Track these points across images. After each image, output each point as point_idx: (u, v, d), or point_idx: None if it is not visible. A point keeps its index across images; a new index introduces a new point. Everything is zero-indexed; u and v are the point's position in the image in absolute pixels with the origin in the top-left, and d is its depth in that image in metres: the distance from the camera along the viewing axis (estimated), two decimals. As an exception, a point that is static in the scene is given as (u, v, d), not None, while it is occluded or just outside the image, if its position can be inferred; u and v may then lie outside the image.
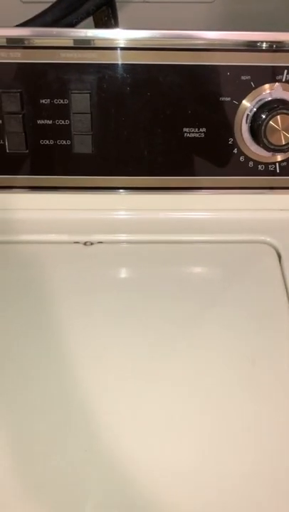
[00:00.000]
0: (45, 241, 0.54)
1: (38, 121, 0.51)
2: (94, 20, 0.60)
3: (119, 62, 0.49)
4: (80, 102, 0.50)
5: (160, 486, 0.37)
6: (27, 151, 0.52)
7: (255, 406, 0.41)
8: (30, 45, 0.49)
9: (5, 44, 0.48)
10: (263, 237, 0.54)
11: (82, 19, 0.56)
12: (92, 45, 0.49)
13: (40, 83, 0.49)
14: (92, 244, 0.54)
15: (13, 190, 0.52)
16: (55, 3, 0.56)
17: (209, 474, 0.38)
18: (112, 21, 0.60)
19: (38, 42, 0.49)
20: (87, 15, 0.55)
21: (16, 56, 0.49)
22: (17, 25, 0.53)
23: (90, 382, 0.42)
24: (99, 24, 0.61)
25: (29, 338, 0.45)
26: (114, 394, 0.41)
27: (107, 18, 0.60)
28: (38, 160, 0.52)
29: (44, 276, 0.50)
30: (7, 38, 0.48)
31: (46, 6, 0.58)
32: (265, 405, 0.41)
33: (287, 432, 0.40)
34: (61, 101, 0.50)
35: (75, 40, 0.49)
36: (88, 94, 0.49)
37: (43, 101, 0.50)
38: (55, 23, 0.56)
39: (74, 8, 0.56)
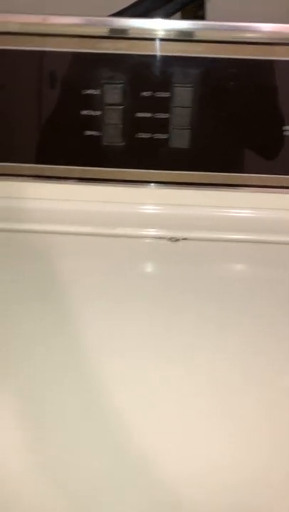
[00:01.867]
0: (140, 235, 0.53)
1: (137, 114, 0.50)
2: (182, 11, 0.59)
3: (224, 56, 0.48)
4: (182, 95, 0.48)
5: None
6: (123, 143, 0.51)
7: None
8: (133, 36, 0.48)
9: (108, 34, 0.47)
10: None
11: (177, 10, 0.55)
12: (196, 38, 0.48)
13: (143, 75, 0.48)
14: (177, 240, 0.54)
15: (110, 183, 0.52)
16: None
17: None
18: (200, 13, 0.59)
19: (140, 33, 0.48)
20: (183, 6, 0.54)
21: (121, 47, 0.47)
22: (112, 15, 0.52)
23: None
24: (186, 15, 0.60)
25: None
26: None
27: (196, 9, 0.59)
28: (134, 153, 0.51)
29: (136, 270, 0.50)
30: (111, 29, 0.47)
31: None
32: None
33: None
34: (163, 94, 0.49)
35: (180, 32, 0.48)
36: (191, 88, 0.48)
37: (144, 93, 0.49)
38: (148, 13, 0.55)
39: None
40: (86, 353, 0.43)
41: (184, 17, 0.60)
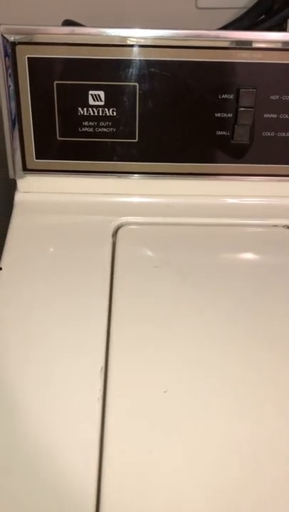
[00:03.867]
0: (255, 224, 0.60)
1: (265, 115, 0.57)
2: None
3: None
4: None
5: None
6: (249, 141, 0.58)
7: None
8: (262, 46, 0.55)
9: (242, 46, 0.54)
10: None
11: (278, 24, 0.63)
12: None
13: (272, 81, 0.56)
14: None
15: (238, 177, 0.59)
16: (250, 9, 0.63)
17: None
18: (284, 25, 0.68)
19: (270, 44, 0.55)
20: (284, 20, 0.63)
21: (257, 57, 0.55)
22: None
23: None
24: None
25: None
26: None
27: (281, 22, 0.67)
28: (261, 150, 0.58)
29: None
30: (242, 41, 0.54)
31: (220, 11, 0.64)
32: None
33: None
34: (287, 97, 0.57)
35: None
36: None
37: (273, 97, 0.57)
38: (252, 27, 0.63)
39: (268, 15, 0.63)
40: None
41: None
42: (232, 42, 0.55)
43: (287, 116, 0.57)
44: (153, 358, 0.46)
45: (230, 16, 0.66)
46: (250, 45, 0.55)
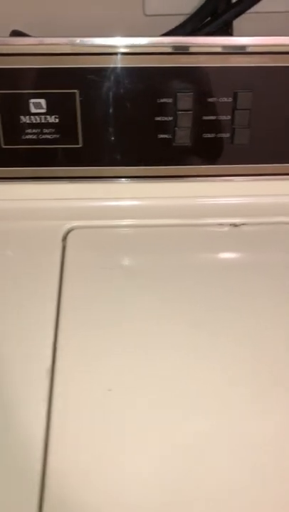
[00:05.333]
0: (199, 224, 0.62)
1: (204, 118, 0.59)
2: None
3: (272, 64, 0.58)
4: (243, 100, 0.58)
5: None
6: (191, 143, 0.59)
7: None
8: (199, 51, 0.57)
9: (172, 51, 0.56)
10: None
11: (220, 29, 0.64)
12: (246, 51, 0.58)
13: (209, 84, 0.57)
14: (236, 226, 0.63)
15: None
16: (193, 15, 0.65)
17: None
18: (230, 30, 0.70)
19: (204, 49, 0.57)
20: (225, 25, 0.64)
21: (194, 61, 0.56)
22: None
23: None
24: (216, 33, 0.70)
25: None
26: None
27: (226, 28, 0.69)
28: (202, 151, 0.60)
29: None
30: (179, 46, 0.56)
31: (168, 18, 0.66)
32: None
33: None
34: (225, 99, 0.58)
35: (234, 46, 0.57)
36: (251, 93, 0.58)
37: (210, 99, 0.58)
38: (194, 32, 0.65)
39: (212, 19, 0.65)
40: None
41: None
42: (169, 47, 0.56)
43: (225, 117, 0.58)
44: (99, 359, 0.48)
45: (179, 23, 0.68)
46: (188, 50, 0.56)
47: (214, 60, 0.56)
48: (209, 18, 0.65)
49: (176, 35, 0.63)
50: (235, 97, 0.58)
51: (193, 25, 0.64)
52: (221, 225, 0.62)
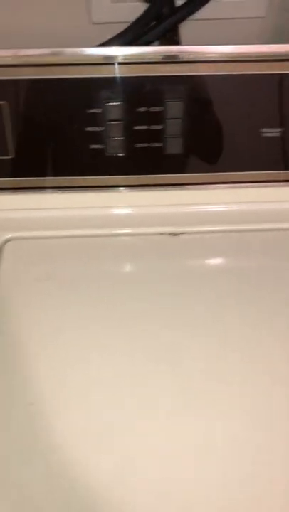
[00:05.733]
0: (138, 233, 0.61)
1: (135, 128, 0.58)
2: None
3: (206, 73, 0.57)
4: (173, 109, 0.57)
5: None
6: (124, 154, 0.59)
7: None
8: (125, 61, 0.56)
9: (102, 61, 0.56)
10: None
11: (160, 37, 0.64)
12: (180, 59, 0.57)
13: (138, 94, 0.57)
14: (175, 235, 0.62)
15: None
16: (134, 23, 0.64)
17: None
18: (175, 38, 0.69)
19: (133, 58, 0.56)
20: (165, 32, 0.63)
21: (121, 71, 0.56)
22: (103, 44, 0.60)
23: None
24: (162, 41, 0.69)
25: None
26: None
27: (172, 34, 0.68)
28: (136, 161, 0.59)
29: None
30: (104, 56, 0.55)
31: (116, 26, 0.65)
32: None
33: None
34: (156, 109, 0.58)
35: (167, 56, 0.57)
36: (181, 102, 0.57)
37: (140, 109, 0.57)
38: (135, 41, 0.64)
39: (152, 27, 0.64)
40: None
41: (161, 43, 0.69)
42: (100, 58, 0.56)
43: (157, 127, 0.58)
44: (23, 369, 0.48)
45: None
46: (116, 60, 0.56)
47: (144, 69, 0.56)
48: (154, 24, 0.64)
49: (114, 44, 0.62)
50: (165, 106, 0.57)
51: (134, 33, 0.63)
52: (161, 234, 0.61)
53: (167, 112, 0.57)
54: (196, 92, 0.56)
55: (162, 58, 0.57)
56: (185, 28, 0.70)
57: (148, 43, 0.64)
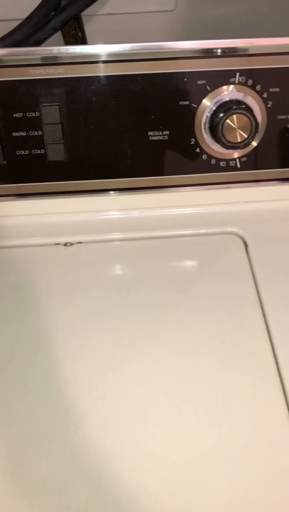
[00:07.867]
0: (29, 244, 0.58)
1: (13, 134, 0.55)
2: (62, 33, 0.64)
3: (85, 75, 0.53)
4: (51, 113, 0.53)
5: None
6: (4, 161, 0.56)
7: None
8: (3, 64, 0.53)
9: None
10: (230, 229, 0.59)
11: (50, 35, 0.60)
12: (59, 61, 0.53)
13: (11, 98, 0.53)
14: (72, 244, 0.59)
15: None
16: (24, 21, 0.61)
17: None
18: (80, 34, 0.65)
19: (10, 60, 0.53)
20: (55, 31, 0.59)
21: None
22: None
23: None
24: (67, 37, 0.66)
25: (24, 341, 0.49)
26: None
27: (74, 32, 0.64)
28: (16, 169, 0.56)
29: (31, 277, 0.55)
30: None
31: (15, 23, 0.62)
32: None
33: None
34: (33, 114, 0.54)
35: (43, 57, 0.53)
36: (57, 106, 0.53)
37: (17, 115, 0.54)
38: (25, 40, 0.61)
39: (42, 26, 0.60)
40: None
41: (65, 40, 0.66)
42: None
43: (36, 133, 0.54)
44: None
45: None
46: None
47: (14, 73, 0.52)
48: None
49: (2, 44, 0.59)
50: (41, 111, 0.53)
51: (24, 32, 0.59)
52: (57, 244, 0.58)
53: (44, 117, 0.53)
54: (74, 95, 0.52)
55: (41, 60, 0.53)
56: (92, 24, 0.66)
57: (41, 42, 0.61)
